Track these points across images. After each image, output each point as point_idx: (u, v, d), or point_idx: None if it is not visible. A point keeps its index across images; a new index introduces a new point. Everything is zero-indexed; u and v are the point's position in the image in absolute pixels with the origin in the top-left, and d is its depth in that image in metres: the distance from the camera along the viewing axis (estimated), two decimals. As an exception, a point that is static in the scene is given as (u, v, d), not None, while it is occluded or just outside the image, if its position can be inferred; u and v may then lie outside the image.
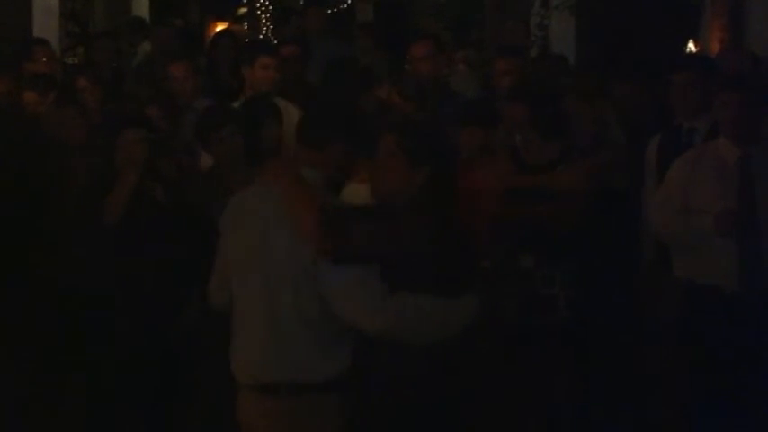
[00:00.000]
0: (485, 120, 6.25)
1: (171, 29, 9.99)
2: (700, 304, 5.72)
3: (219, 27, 15.22)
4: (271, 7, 15.53)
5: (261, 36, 15.17)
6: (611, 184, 6.03)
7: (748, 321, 5.60)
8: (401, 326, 4.05)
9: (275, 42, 9.67)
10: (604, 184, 5.89)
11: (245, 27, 15.82)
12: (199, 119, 6.41)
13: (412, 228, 4.08)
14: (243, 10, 16.28)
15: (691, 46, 11.04)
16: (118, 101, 7.60)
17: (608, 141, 6.59)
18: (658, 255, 6.21)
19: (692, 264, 5.80)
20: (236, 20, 16.13)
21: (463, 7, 14.13)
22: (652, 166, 6.39)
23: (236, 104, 7.13)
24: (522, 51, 8.62)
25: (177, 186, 6.17)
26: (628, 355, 6.15)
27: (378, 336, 4.07)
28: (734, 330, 5.61)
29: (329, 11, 12.97)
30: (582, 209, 5.70)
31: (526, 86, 6.30)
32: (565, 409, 5.70)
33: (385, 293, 4.04)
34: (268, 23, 15.42)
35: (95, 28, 12.09)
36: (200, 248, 5.92)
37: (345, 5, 15.70)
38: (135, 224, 5.79)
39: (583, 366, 5.76)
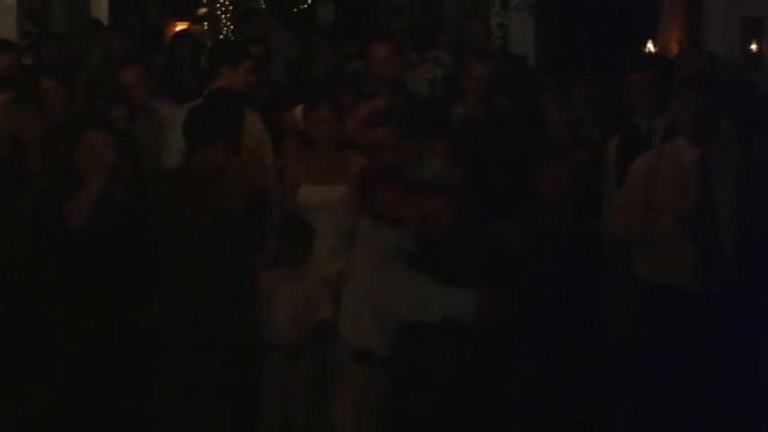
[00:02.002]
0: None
1: (125, 30, 9.92)
2: (660, 303, 5.75)
3: (180, 27, 15.16)
4: (231, 8, 15.48)
5: (221, 36, 15.12)
6: (590, 184, 6.05)
7: (707, 319, 5.63)
8: (385, 290, 4.31)
9: (238, 43, 9.65)
10: (583, 184, 5.90)
11: (206, 27, 15.74)
12: (188, 125, 6.27)
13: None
14: (203, 10, 16.19)
15: (649, 46, 11.12)
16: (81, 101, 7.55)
17: (582, 140, 6.61)
18: (619, 254, 6.24)
19: (652, 263, 5.83)
20: (196, 20, 16.05)
21: (423, 7, 14.17)
22: (611, 166, 6.41)
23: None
24: (495, 54, 8.64)
25: (137, 186, 6.15)
26: (592, 350, 6.15)
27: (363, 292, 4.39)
28: (693, 328, 5.64)
29: (292, 10, 12.98)
30: (563, 209, 5.71)
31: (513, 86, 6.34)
32: (535, 405, 5.69)
33: (390, 257, 4.30)
34: (228, 24, 15.37)
35: (54, 28, 12.01)
36: (164, 248, 5.94)
37: (306, 5, 15.68)
38: (100, 226, 5.76)
39: (552, 363, 5.75)
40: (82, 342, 5.78)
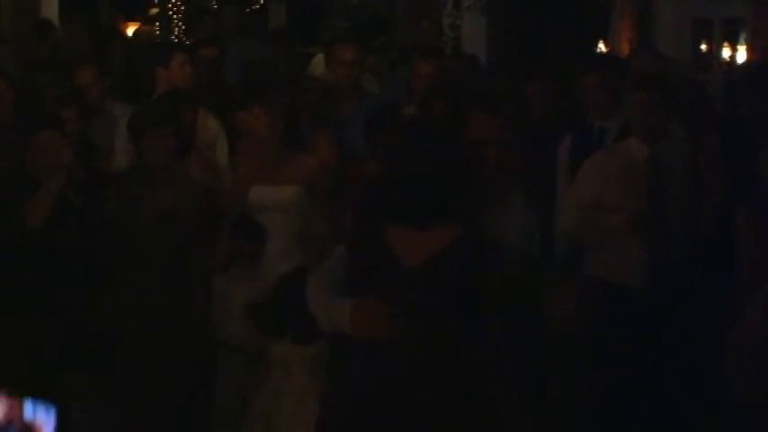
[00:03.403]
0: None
1: (76, 31, 9.89)
2: (610, 301, 5.77)
3: (131, 28, 15.07)
4: (183, 8, 15.40)
5: (173, 37, 15.04)
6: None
7: (656, 318, 5.67)
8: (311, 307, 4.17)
9: (188, 43, 9.62)
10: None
11: (157, 28, 15.65)
12: (129, 124, 6.26)
13: None
14: (154, 10, 16.09)
15: (600, 46, 11.19)
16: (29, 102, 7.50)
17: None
18: (570, 253, 6.27)
19: (602, 262, 5.86)
20: (147, 20, 15.95)
21: (374, 8, 14.18)
22: (564, 166, 6.44)
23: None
24: (442, 53, 8.65)
25: (89, 187, 6.12)
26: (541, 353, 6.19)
27: None
28: (642, 327, 5.68)
29: (245, 11, 12.91)
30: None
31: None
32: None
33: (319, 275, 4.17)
34: (180, 24, 15.30)
35: (3, 28, 11.90)
36: (117, 249, 5.93)
37: (258, 5, 15.64)
38: (56, 227, 5.74)
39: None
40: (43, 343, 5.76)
